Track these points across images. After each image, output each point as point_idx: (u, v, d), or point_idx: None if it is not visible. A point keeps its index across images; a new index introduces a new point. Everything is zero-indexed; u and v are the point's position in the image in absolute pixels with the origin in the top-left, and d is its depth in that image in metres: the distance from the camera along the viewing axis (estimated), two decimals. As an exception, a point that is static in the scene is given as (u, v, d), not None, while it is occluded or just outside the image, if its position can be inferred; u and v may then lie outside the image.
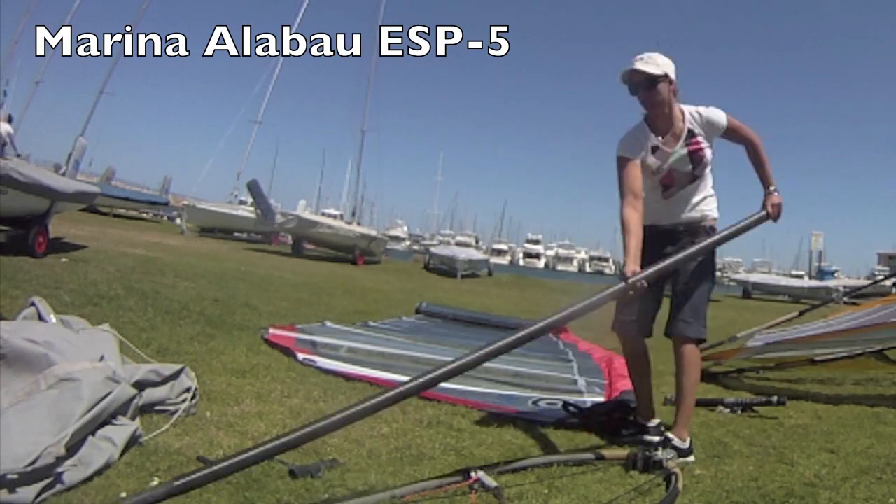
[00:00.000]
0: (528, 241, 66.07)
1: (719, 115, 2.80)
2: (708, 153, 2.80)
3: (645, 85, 2.69)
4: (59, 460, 1.81)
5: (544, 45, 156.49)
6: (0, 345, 2.15)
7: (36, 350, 2.16)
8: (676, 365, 2.75)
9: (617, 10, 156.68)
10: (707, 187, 2.87)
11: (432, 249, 27.59)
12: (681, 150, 2.76)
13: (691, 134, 2.77)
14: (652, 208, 2.80)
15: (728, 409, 3.46)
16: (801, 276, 33.07)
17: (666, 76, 2.70)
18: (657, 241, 2.75)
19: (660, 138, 2.76)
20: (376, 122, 34.69)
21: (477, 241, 54.15)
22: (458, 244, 33.13)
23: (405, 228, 62.91)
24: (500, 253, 56.84)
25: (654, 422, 2.86)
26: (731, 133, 2.84)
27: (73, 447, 1.90)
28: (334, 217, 26.75)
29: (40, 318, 2.67)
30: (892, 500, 2.14)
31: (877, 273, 37.17)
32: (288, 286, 8.80)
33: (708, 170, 2.84)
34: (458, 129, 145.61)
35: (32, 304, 2.74)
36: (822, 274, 35.92)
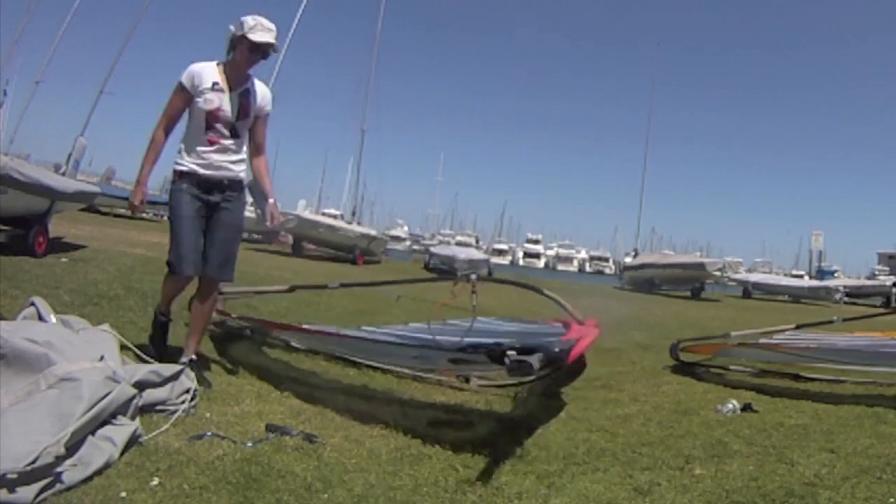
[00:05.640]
0: (528, 241, 65.99)
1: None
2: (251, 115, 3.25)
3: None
4: (59, 460, 1.82)
5: (544, 45, 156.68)
6: (0, 344, 2.15)
7: (36, 350, 2.16)
8: (199, 296, 3.32)
9: (617, 10, 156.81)
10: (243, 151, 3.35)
11: (432, 249, 27.62)
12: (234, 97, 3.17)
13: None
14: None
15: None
16: (801, 276, 32.99)
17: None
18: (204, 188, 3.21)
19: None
20: (376, 122, 34.72)
21: (477, 241, 54.02)
22: (459, 244, 33.01)
23: (405, 228, 62.85)
24: (500, 253, 56.78)
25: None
26: (259, 125, 3.35)
27: (72, 447, 1.91)
28: (334, 217, 26.71)
29: (40, 317, 2.67)
30: (892, 499, 2.14)
31: (877, 273, 37.22)
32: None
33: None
34: (458, 129, 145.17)
35: (32, 303, 2.74)
36: (822, 274, 35.96)
